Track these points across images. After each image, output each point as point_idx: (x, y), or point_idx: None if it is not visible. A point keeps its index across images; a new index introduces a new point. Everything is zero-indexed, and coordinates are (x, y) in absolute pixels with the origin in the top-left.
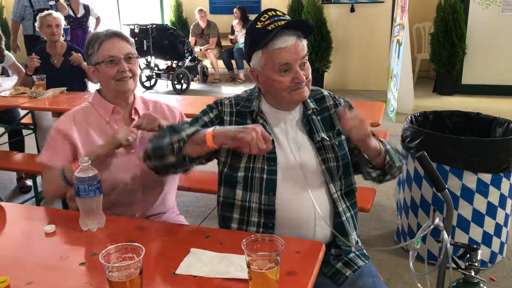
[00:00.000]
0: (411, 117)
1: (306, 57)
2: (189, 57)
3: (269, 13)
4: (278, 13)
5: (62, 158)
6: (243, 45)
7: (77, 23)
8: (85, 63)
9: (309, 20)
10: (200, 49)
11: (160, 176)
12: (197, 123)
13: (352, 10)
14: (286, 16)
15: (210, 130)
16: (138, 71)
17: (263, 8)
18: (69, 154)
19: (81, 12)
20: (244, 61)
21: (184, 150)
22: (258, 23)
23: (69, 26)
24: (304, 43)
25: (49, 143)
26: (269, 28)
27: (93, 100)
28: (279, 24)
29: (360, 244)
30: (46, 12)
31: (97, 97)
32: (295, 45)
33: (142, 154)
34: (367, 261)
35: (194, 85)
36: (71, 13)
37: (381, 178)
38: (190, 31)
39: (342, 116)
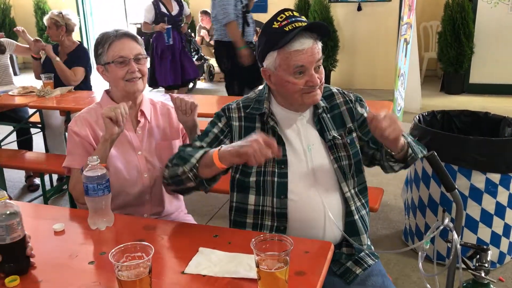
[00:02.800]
0: (419, 116)
1: (321, 61)
2: (196, 56)
3: (286, 13)
4: (294, 13)
5: (83, 159)
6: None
7: (173, 23)
8: (53, 54)
9: (326, 24)
10: (202, 37)
11: (184, 195)
12: (207, 137)
13: (359, 9)
14: (302, 17)
15: (215, 151)
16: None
17: (269, 7)
18: (89, 152)
19: (175, 9)
20: None
21: (199, 176)
22: (275, 23)
23: (170, 26)
24: (319, 46)
25: (68, 147)
26: (286, 29)
27: (101, 101)
28: (297, 25)
29: (369, 243)
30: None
31: (106, 98)
32: (312, 48)
33: (162, 181)
34: (376, 260)
35: (200, 84)
36: (164, 10)
37: (402, 168)
38: (196, 31)
39: (375, 119)
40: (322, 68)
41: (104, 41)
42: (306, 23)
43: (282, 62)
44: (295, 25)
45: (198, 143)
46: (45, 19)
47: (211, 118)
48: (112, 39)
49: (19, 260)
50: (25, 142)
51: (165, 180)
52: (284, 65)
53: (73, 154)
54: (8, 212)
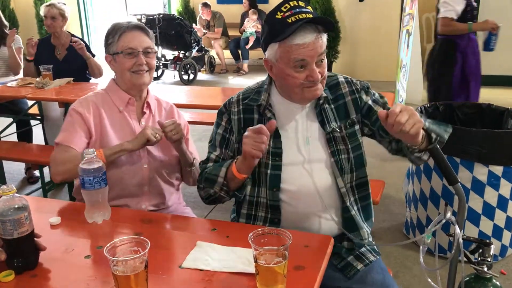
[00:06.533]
0: (421, 108)
1: (324, 54)
2: (196, 48)
3: (291, 3)
4: (300, 3)
5: (79, 138)
6: (250, 34)
7: None
8: (88, 53)
9: (330, 19)
10: (204, 33)
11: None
12: (216, 141)
13: None
14: (308, 7)
15: (233, 165)
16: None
17: None
18: (85, 134)
19: None
20: (250, 52)
21: (231, 191)
22: (279, 13)
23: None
24: (324, 38)
25: (65, 125)
26: (289, 20)
27: (108, 88)
28: (300, 17)
29: (371, 239)
30: (48, 2)
31: (113, 85)
32: (314, 42)
33: (201, 199)
34: (378, 257)
35: (201, 76)
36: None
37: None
38: (197, 22)
39: (391, 115)
40: (325, 61)
41: (115, 31)
42: (311, 15)
43: (283, 54)
44: (298, 16)
45: (213, 155)
46: (48, 10)
47: (212, 111)
48: (123, 30)
49: (27, 255)
50: (24, 134)
51: (203, 199)
52: (285, 58)
53: (68, 131)
54: (16, 206)
